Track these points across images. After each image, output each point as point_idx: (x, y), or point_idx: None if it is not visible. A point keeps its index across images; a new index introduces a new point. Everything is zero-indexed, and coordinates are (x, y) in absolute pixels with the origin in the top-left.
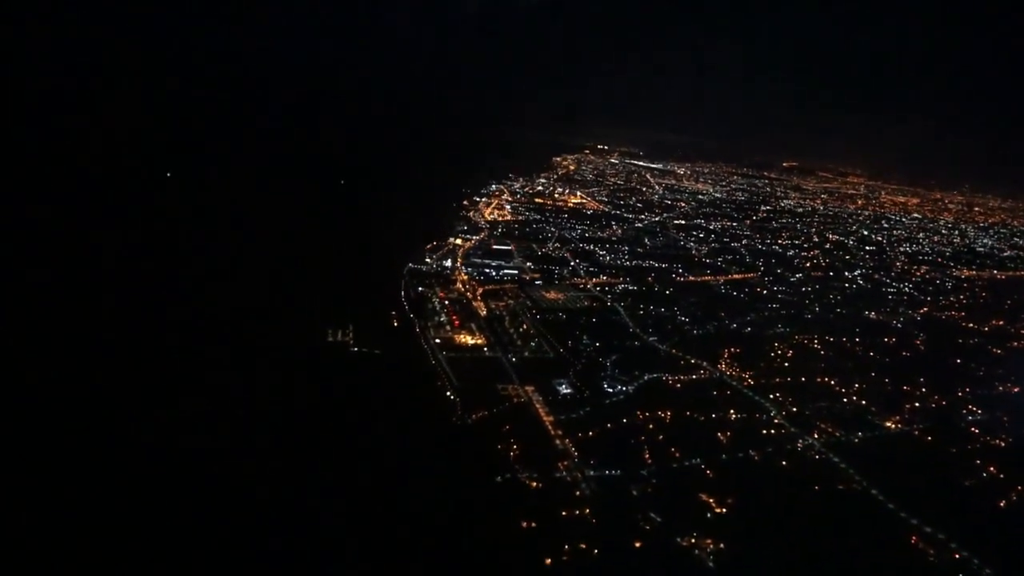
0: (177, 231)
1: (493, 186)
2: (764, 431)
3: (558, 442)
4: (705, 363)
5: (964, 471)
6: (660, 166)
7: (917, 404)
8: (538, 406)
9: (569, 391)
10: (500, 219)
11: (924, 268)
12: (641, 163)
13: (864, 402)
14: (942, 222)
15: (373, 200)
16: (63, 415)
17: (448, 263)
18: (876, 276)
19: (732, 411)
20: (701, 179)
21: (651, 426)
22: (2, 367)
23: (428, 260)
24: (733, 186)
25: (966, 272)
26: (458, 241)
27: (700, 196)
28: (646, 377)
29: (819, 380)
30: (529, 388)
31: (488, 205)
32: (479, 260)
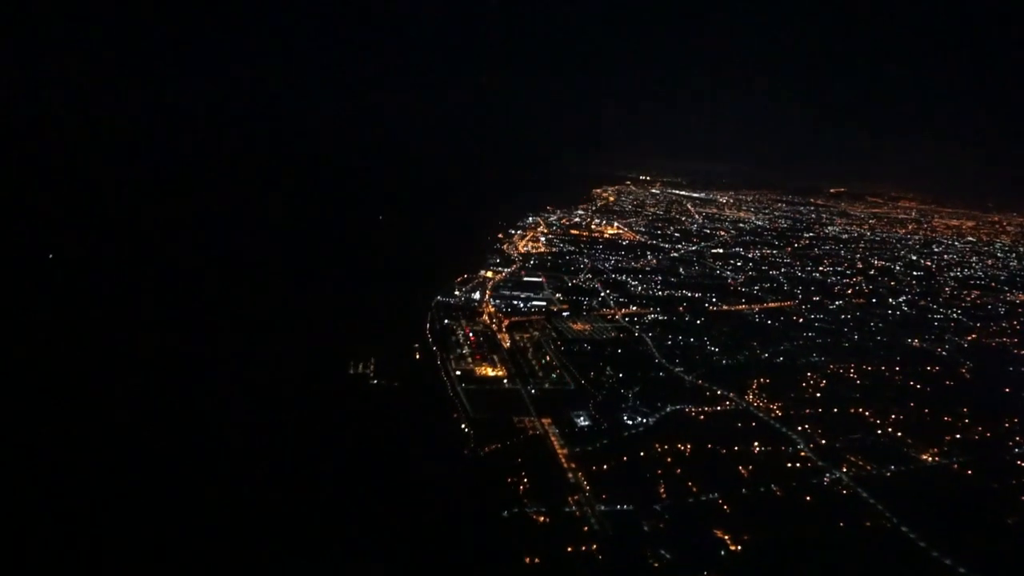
0: (216, 262)
1: (530, 219)
2: (789, 464)
3: (570, 475)
4: (732, 394)
5: (1006, 508)
6: (702, 195)
7: (958, 436)
8: (553, 438)
9: (587, 423)
10: (534, 251)
11: (975, 293)
12: (683, 192)
13: (900, 434)
14: (998, 245)
15: (409, 235)
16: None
17: (477, 295)
18: (922, 302)
19: (756, 443)
20: (744, 207)
21: (669, 459)
22: None
23: (457, 293)
24: (776, 213)
25: (1021, 297)
26: (489, 274)
27: (741, 224)
28: (668, 409)
29: (852, 411)
30: (546, 420)
31: (523, 238)
32: (508, 292)
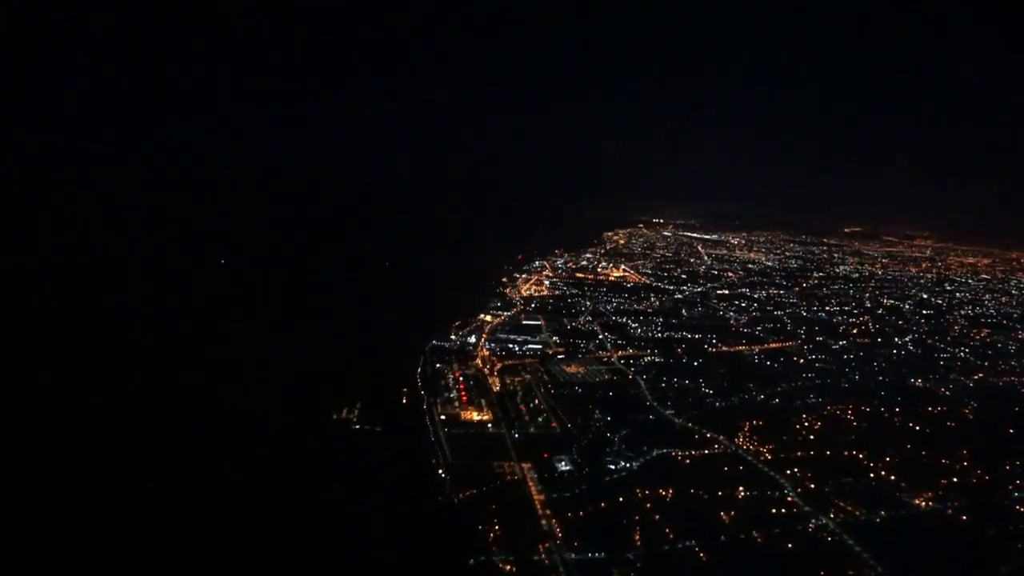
0: (214, 299)
1: (537, 262)
2: (774, 510)
3: (544, 522)
4: (721, 437)
5: (1001, 556)
6: (714, 237)
7: (955, 479)
8: (532, 484)
9: (568, 468)
10: (536, 294)
11: (986, 331)
12: (695, 234)
13: (894, 477)
14: (1013, 282)
15: (413, 281)
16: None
17: (473, 339)
18: (929, 341)
19: (742, 488)
20: (755, 248)
21: (649, 505)
22: None
23: (453, 337)
24: (788, 254)
25: None
26: (488, 318)
27: (750, 265)
28: (654, 453)
29: (846, 454)
30: (526, 465)
31: (527, 281)
32: (505, 336)
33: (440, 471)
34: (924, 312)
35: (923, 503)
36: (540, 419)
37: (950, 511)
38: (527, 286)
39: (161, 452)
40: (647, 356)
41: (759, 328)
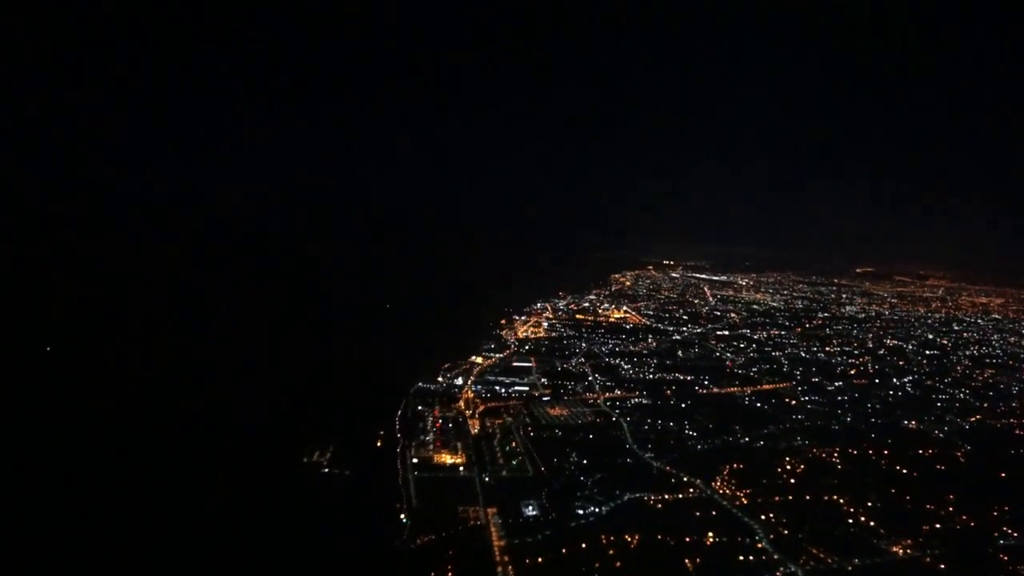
0: (204, 340)
1: (539, 304)
2: (741, 557)
3: (500, 569)
4: (698, 481)
5: None
6: (723, 278)
7: (938, 525)
8: (494, 529)
9: (535, 513)
10: (532, 336)
11: (989, 372)
12: (703, 276)
13: (873, 523)
14: None
15: (410, 324)
16: None
17: (460, 381)
18: (929, 382)
19: (711, 534)
20: (763, 289)
21: (612, 551)
22: None
23: (440, 379)
24: (795, 294)
25: None
26: (479, 360)
27: (755, 306)
28: (626, 497)
29: (827, 498)
30: (492, 510)
31: (526, 323)
32: (493, 378)
33: (402, 516)
34: (927, 352)
35: (901, 550)
36: (514, 462)
37: (928, 559)
38: (525, 328)
39: (120, 488)
40: (635, 398)
41: (754, 369)
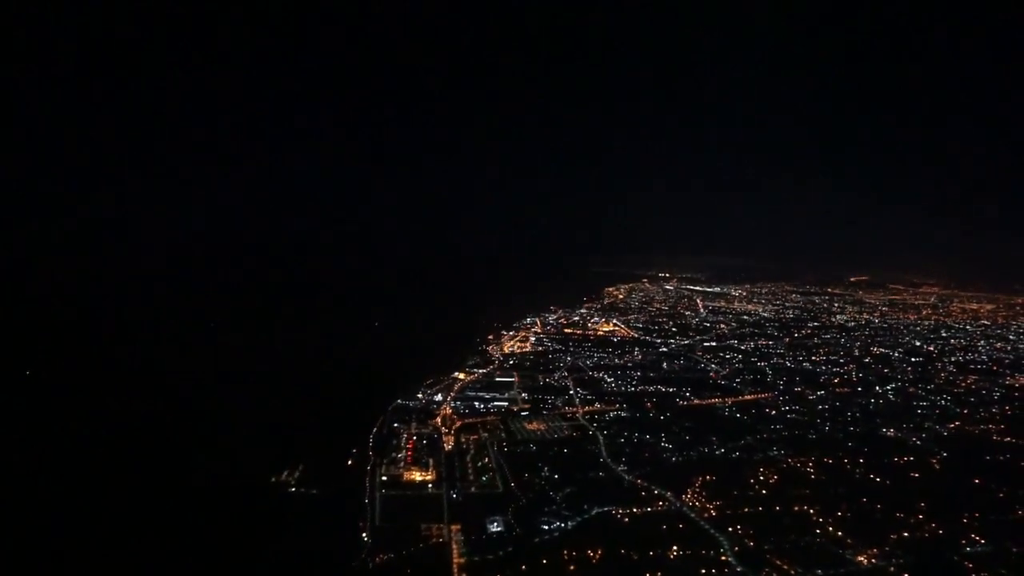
0: (188, 357)
1: (528, 319)
2: (704, 570)
3: None
4: (669, 493)
5: None
6: (716, 289)
7: (906, 534)
8: (455, 546)
9: (499, 529)
10: (519, 351)
11: (973, 378)
12: (697, 288)
13: (841, 533)
14: (1013, 327)
15: (397, 341)
16: None
17: (439, 397)
18: (912, 389)
19: (675, 547)
20: (755, 300)
21: (573, 567)
22: None
23: (420, 395)
24: (787, 304)
25: (1022, 380)
26: (461, 375)
27: (745, 317)
28: (594, 511)
29: (796, 509)
30: (455, 527)
31: (513, 338)
32: (473, 393)
33: (364, 535)
34: (913, 360)
35: (866, 560)
36: (484, 478)
37: (892, 568)
38: (511, 343)
39: (73, 507)
40: (614, 411)
41: (737, 380)
